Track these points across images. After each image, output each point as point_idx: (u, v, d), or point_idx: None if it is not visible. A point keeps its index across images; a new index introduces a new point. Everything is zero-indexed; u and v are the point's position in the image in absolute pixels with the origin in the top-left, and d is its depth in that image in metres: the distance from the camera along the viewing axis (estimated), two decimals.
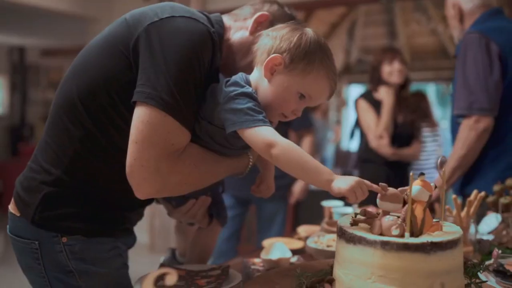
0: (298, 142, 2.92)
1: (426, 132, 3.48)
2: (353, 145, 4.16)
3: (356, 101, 2.90)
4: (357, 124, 2.93)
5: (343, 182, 0.95)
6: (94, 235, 1.15)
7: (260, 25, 1.24)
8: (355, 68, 7.64)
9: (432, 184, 0.98)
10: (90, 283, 1.15)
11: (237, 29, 1.27)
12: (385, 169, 2.74)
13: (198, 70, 1.07)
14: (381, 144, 2.72)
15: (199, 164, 1.10)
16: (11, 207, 1.18)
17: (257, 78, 1.13)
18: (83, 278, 1.14)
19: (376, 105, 2.78)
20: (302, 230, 1.84)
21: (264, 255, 1.42)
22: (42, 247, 1.13)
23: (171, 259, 1.46)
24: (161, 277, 0.75)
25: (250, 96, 1.07)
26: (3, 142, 8.19)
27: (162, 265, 1.36)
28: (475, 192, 1.47)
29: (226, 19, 1.28)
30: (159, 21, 1.07)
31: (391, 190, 0.97)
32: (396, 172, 2.75)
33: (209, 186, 1.26)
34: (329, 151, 5.80)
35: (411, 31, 7.30)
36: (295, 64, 1.07)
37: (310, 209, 2.70)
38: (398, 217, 0.97)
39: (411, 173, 0.92)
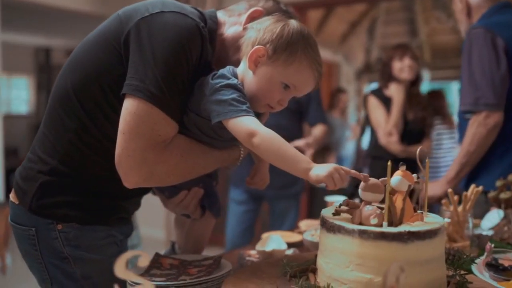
0: None
1: (442, 129, 3.45)
2: (365, 142, 4.15)
3: (366, 98, 2.89)
4: (368, 121, 2.91)
5: (320, 169, 0.96)
6: (89, 223, 1.19)
7: (254, 20, 1.26)
8: (376, 67, 7.58)
9: (414, 176, 0.99)
10: (84, 269, 1.19)
11: (231, 25, 1.29)
12: (395, 166, 2.72)
13: (185, 64, 1.09)
14: (391, 141, 2.71)
15: (186, 155, 1.13)
16: (12, 196, 1.23)
17: (243, 70, 1.15)
18: (77, 264, 1.18)
19: (386, 101, 2.77)
20: (304, 224, 1.85)
21: (259, 246, 1.44)
22: (39, 233, 1.17)
23: (171, 252, 1.48)
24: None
25: (235, 88, 1.09)
26: (30, 140, 8.41)
27: (157, 254, 1.39)
28: (472, 186, 1.45)
29: (221, 15, 1.30)
30: (149, 16, 1.10)
31: (373, 180, 0.98)
32: (407, 169, 2.72)
33: (201, 177, 1.28)
34: (349, 149, 5.77)
35: (432, 29, 7.22)
36: (278, 55, 1.09)
37: (324, 206, 2.71)
38: (381, 207, 0.97)
39: (388, 162, 0.92)
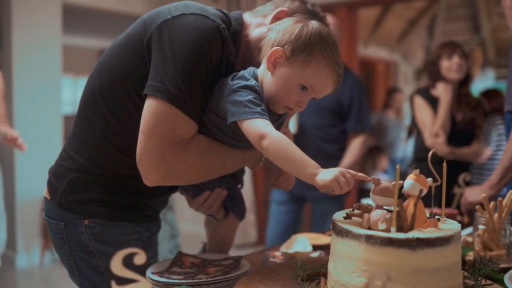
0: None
1: (503, 130, 3.26)
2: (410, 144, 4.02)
3: (412, 98, 2.80)
4: (414, 122, 2.82)
5: (326, 174, 0.95)
6: (114, 219, 1.24)
7: (279, 21, 1.26)
8: None
9: (429, 180, 0.95)
10: (108, 263, 1.23)
11: (256, 26, 1.29)
12: (441, 169, 2.61)
13: (204, 64, 1.11)
14: (437, 143, 2.60)
15: (204, 154, 1.14)
16: (45, 192, 1.30)
17: (263, 71, 1.15)
18: (102, 259, 1.23)
19: (433, 102, 2.66)
20: None
21: (283, 248, 1.43)
22: (67, 228, 1.24)
23: (202, 252, 1.51)
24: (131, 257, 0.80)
25: (252, 89, 1.09)
26: None
27: (180, 252, 1.42)
28: (510, 192, 1.37)
29: (247, 16, 1.32)
30: (171, 18, 1.13)
31: (384, 183, 0.95)
32: (454, 172, 2.61)
33: (224, 179, 1.30)
34: (408, 151, 5.60)
35: (495, 25, 6.84)
36: (296, 56, 1.09)
37: None
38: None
39: (397, 165, 0.89)
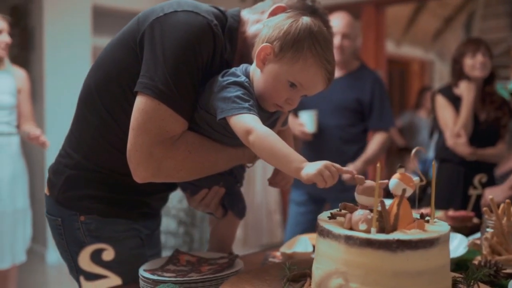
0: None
1: None
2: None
3: (434, 97, 2.71)
4: (436, 121, 2.73)
5: (310, 168, 0.92)
6: (109, 215, 1.25)
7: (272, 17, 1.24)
8: None
9: (415, 179, 0.91)
10: None
11: (254, 22, 1.28)
12: (463, 170, 2.52)
13: (194, 61, 1.10)
14: (458, 143, 2.51)
15: (194, 151, 1.14)
16: (45, 189, 1.33)
17: (253, 68, 1.14)
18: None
19: (456, 101, 2.57)
20: None
21: (284, 248, 1.41)
22: (64, 224, 1.25)
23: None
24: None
25: (241, 85, 1.08)
26: None
27: (177, 250, 1.42)
28: None
29: (246, 13, 1.30)
30: (162, 16, 1.13)
31: (369, 182, 0.92)
32: (476, 174, 2.51)
33: (222, 176, 1.29)
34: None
35: None
36: (284, 52, 1.06)
37: None
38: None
39: (377, 165, 0.86)
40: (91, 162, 1.24)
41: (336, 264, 0.87)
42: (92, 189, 1.24)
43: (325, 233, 0.89)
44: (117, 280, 0.78)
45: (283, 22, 1.09)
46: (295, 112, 2.79)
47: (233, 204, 1.35)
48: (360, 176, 0.92)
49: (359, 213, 0.89)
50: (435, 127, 2.76)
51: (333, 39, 1.38)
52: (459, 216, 1.71)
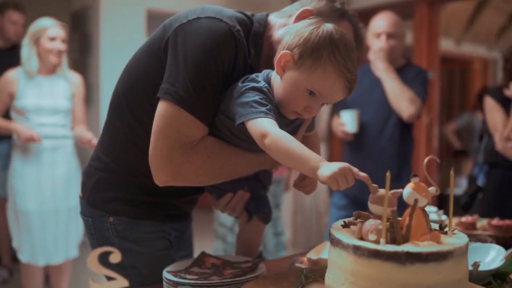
0: None
1: None
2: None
3: (483, 98, 2.57)
4: (485, 124, 2.59)
5: (327, 169, 0.91)
6: (137, 217, 1.28)
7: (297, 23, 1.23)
8: None
9: (432, 189, 0.87)
10: (131, 259, 1.28)
11: (280, 26, 1.27)
12: None
13: (215, 67, 1.12)
14: (508, 147, 2.37)
15: (213, 156, 1.15)
16: (80, 190, 1.39)
17: (274, 74, 1.14)
18: (125, 255, 1.26)
19: (506, 103, 2.43)
20: None
21: (311, 253, 1.39)
22: (95, 224, 1.30)
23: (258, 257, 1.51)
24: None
25: (259, 90, 1.08)
26: None
27: (203, 252, 1.44)
28: None
29: (273, 17, 1.30)
30: (186, 23, 1.15)
31: (382, 191, 0.89)
32: None
33: (247, 181, 1.29)
34: None
35: None
36: (303, 60, 1.05)
37: None
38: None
39: (387, 173, 0.83)
40: (119, 166, 1.28)
41: (344, 274, 0.85)
42: (120, 191, 1.28)
43: (335, 242, 0.88)
44: (124, 282, 0.81)
45: (304, 29, 1.08)
46: (337, 112, 2.76)
47: (258, 209, 1.35)
48: (374, 185, 0.89)
49: (369, 223, 0.86)
50: (485, 130, 2.62)
51: (360, 45, 1.35)
52: (503, 225, 1.62)
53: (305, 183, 1.29)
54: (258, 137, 1.03)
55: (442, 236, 0.88)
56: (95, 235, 1.31)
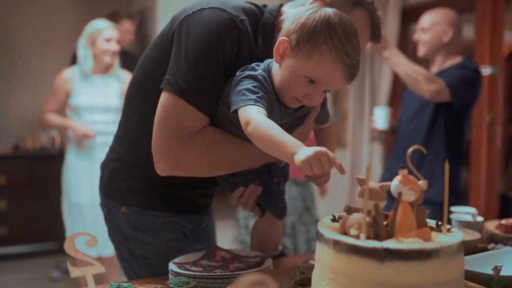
0: None
1: None
2: None
3: None
4: None
5: (302, 153, 0.87)
6: (147, 208, 1.30)
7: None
8: None
9: (420, 182, 0.81)
10: (142, 249, 1.30)
11: None
12: None
13: (214, 57, 1.11)
14: None
15: (212, 146, 1.13)
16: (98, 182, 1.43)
17: (274, 63, 1.11)
18: (136, 244, 1.30)
19: None
20: None
21: None
22: (109, 213, 1.34)
23: (280, 254, 1.49)
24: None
25: (254, 78, 1.07)
26: None
27: (215, 246, 1.41)
28: None
29: (287, 7, 1.27)
30: (191, 14, 1.16)
31: (371, 185, 0.83)
32: None
33: (258, 174, 1.28)
34: None
35: None
36: (300, 47, 1.02)
37: None
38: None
39: (368, 164, 0.78)
40: (132, 156, 1.30)
41: (325, 270, 0.81)
42: (132, 182, 1.31)
43: (319, 237, 0.84)
44: (100, 268, 0.82)
45: (302, 14, 1.04)
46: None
47: (270, 204, 1.32)
48: (360, 177, 0.84)
49: (353, 217, 0.81)
50: None
51: (378, 33, 1.28)
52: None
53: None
54: (243, 125, 1.01)
55: (434, 234, 0.81)
56: (110, 224, 1.35)
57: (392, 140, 2.70)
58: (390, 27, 3.59)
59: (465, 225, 1.47)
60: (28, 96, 4.46)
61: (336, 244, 0.78)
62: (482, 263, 1.14)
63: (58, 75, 3.10)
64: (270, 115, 1.02)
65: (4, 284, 3.47)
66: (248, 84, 1.05)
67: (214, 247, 1.31)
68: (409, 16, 3.60)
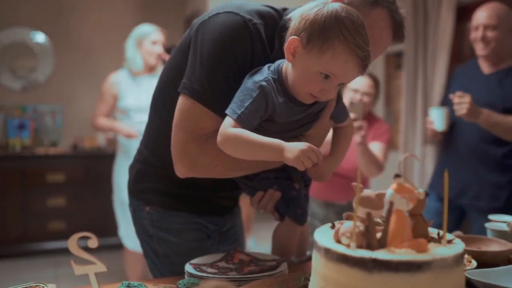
0: None
1: None
2: None
3: None
4: None
5: (290, 153, 1.01)
6: (170, 208, 1.33)
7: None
8: None
9: (421, 190, 0.78)
10: (164, 248, 1.34)
11: None
12: None
13: (227, 60, 1.13)
14: None
15: None
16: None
17: (287, 62, 1.12)
18: (159, 243, 1.34)
19: None
20: None
21: None
22: (135, 213, 1.39)
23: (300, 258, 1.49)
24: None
25: (255, 84, 1.10)
26: None
27: (234, 248, 1.42)
28: None
29: None
30: (207, 19, 1.19)
31: (367, 192, 0.82)
32: None
33: (277, 179, 1.28)
34: None
35: None
36: (312, 44, 1.03)
37: None
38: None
39: (358, 172, 0.76)
40: (155, 158, 1.34)
41: (318, 278, 0.80)
42: (155, 183, 1.35)
43: (314, 244, 0.83)
44: (102, 267, 0.85)
45: (308, 11, 1.05)
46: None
47: (289, 209, 1.31)
48: (358, 185, 0.82)
49: (347, 225, 0.80)
50: None
51: (400, 33, 1.24)
52: None
53: (311, 170, 1.27)
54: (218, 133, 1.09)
55: (432, 245, 0.78)
56: (136, 223, 1.40)
57: (442, 142, 2.57)
58: (444, 25, 3.45)
59: (499, 234, 1.39)
60: (88, 97, 4.68)
61: (327, 252, 0.77)
62: (509, 276, 1.08)
63: (105, 80, 3.24)
64: (273, 114, 1.07)
65: (64, 276, 3.67)
66: (245, 91, 1.09)
67: (234, 250, 1.32)
68: (464, 14, 3.44)
